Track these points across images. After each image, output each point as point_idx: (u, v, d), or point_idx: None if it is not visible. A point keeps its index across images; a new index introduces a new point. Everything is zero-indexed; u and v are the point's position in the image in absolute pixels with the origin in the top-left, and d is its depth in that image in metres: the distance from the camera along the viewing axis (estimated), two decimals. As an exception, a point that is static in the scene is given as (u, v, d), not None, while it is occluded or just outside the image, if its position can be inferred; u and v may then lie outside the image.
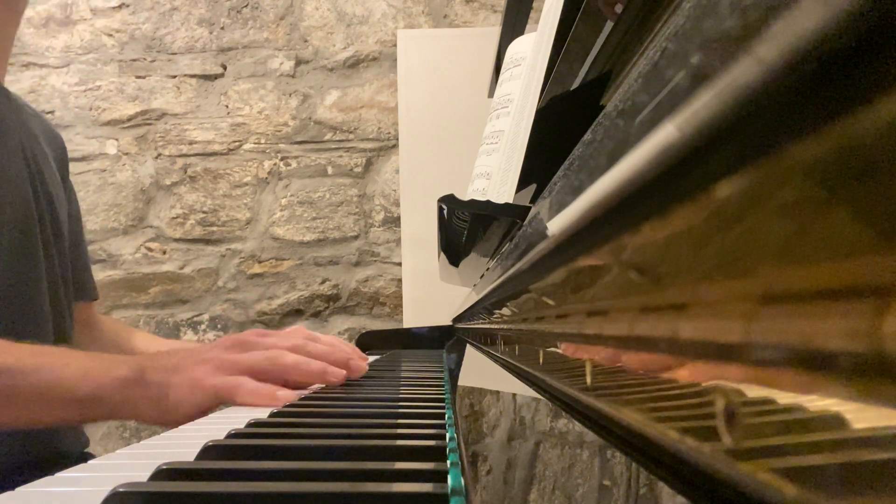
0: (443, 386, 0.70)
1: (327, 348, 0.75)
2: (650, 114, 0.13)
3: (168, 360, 0.69)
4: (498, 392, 0.49)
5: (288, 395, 0.64)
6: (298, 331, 0.76)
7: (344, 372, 0.73)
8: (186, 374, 0.67)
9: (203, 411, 0.66)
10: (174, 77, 1.92)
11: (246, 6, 1.93)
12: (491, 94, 0.96)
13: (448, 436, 0.42)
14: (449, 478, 0.32)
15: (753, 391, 0.11)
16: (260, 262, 1.89)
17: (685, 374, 0.14)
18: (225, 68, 1.92)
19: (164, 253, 1.89)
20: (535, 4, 0.97)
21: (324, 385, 0.72)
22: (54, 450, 0.81)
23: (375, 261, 1.89)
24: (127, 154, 1.91)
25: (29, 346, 0.68)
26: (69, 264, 0.91)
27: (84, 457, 0.88)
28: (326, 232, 1.90)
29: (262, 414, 0.54)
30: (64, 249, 0.90)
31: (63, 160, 1.00)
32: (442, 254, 0.78)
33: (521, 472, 0.33)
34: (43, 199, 0.86)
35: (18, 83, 1.89)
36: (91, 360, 0.68)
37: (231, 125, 1.91)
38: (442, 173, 1.79)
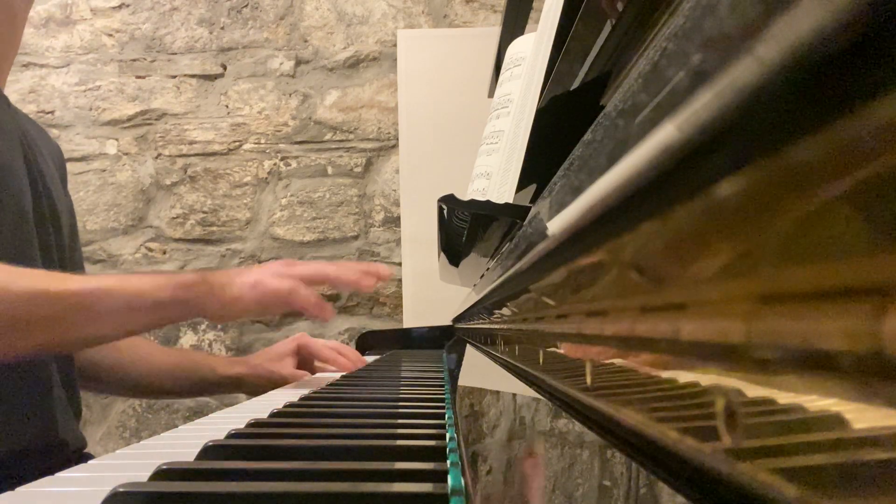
0: (443, 386, 0.70)
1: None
2: (650, 114, 0.13)
3: (229, 270, 0.85)
4: (498, 392, 0.49)
5: (332, 311, 0.82)
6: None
7: (373, 279, 0.86)
8: (248, 275, 0.78)
9: (260, 309, 0.78)
10: (174, 77, 1.92)
11: (246, 6, 1.93)
12: (491, 94, 0.96)
13: (448, 436, 0.42)
14: (449, 478, 0.32)
15: (753, 391, 0.11)
16: (260, 262, 1.89)
17: (685, 374, 0.14)
18: (225, 68, 1.92)
19: (164, 253, 1.89)
20: (535, 4, 0.97)
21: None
22: (53, 439, 0.81)
23: (375, 261, 1.89)
24: (127, 154, 1.91)
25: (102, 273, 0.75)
26: (68, 259, 0.91)
27: (83, 456, 0.88)
28: (326, 232, 1.90)
29: (262, 414, 0.54)
30: (63, 244, 0.90)
31: (63, 171, 1.00)
32: (442, 254, 0.78)
33: (522, 471, 0.33)
34: (43, 196, 0.86)
35: (18, 83, 1.89)
36: (156, 274, 0.82)
37: (231, 125, 1.91)
38: (442, 173, 1.79)
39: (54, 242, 0.87)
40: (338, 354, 1.07)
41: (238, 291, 0.77)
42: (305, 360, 1.06)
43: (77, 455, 0.87)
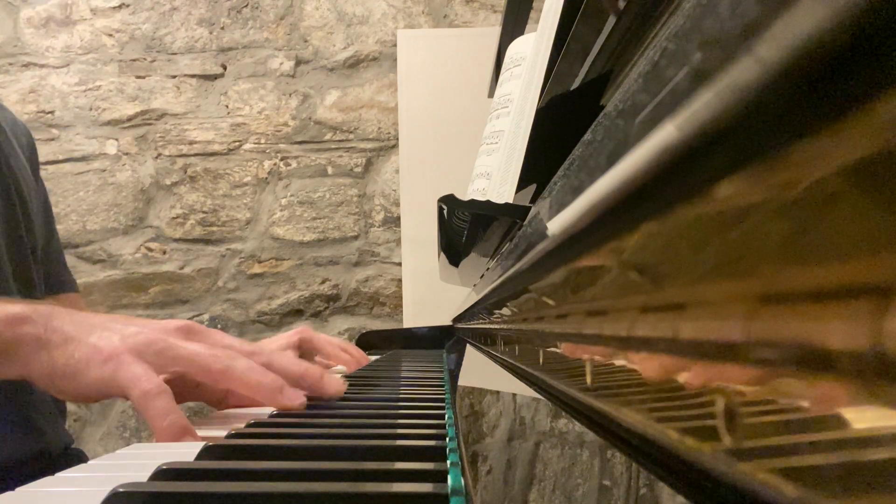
0: (443, 386, 0.70)
1: (295, 366, 0.56)
2: (650, 114, 0.13)
3: (92, 316, 0.52)
4: (498, 392, 0.49)
5: (190, 447, 0.43)
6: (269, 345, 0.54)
7: (302, 394, 0.54)
8: (106, 337, 0.50)
9: (104, 393, 0.50)
10: (174, 77, 1.92)
11: (246, 6, 1.93)
12: (491, 94, 0.96)
13: (448, 436, 0.42)
14: (449, 478, 0.32)
15: (753, 391, 0.11)
16: (260, 262, 1.89)
17: (685, 374, 0.14)
18: (225, 68, 1.92)
19: (164, 253, 1.89)
20: (535, 4, 0.97)
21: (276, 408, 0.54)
22: (41, 447, 0.81)
23: (375, 261, 1.89)
24: (127, 154, 1.91)
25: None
26: (40, 250, 0.90)
27: (70, 453, 0.88)
28: (326, 232, 1.90)
29: (262, 414, 0.54)
30: (35, 236, 0.88)
31: (33, 154, 0.97)
32: (442, 254, 0.78)
33: (521, 472, 0.33)
34: (12, 187, 0.85)
35: (18, 83, 1.89)
36: None
37: (231, 125, 1.91)
38: (442, 173, 1.79)
39: (25, 234, 0.84)
40: (341, 351, 1.06)
41: (79, 360, 0.48)
42: (307, 355, 1.05)
43: (65, 454, 0.87)
